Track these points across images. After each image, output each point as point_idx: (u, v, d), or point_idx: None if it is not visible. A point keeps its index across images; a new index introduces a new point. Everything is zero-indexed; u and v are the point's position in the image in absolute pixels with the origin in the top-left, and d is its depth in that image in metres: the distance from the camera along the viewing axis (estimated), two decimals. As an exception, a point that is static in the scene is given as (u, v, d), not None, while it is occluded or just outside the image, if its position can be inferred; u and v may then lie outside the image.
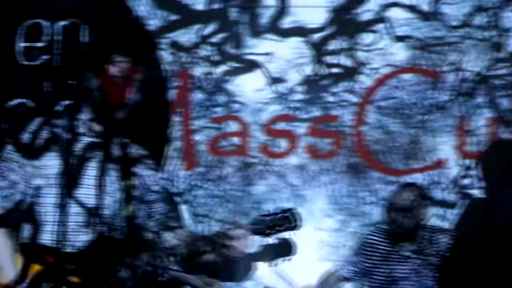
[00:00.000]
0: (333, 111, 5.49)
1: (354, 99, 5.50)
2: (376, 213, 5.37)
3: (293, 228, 3.58)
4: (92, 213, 3.28)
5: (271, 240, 3.66)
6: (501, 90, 5.48)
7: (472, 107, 5.49)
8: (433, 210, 5.35)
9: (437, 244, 4.90)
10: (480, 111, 5.49)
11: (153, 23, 5.43)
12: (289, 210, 3.59)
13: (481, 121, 5.47)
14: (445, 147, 5.50)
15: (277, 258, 4.37)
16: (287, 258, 4.32)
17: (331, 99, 5.51)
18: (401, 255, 4.85)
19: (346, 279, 5.07)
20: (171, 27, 5.44)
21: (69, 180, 3.23)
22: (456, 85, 5.48)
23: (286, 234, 3.64)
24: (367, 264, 4.90)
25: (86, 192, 3.29)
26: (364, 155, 5.50)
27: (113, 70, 3.30)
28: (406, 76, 5.50)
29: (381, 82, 5.49)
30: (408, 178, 5.34)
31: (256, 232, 3.53)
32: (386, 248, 4.88)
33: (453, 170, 5.48)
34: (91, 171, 3.32)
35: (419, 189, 4.94)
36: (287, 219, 3.52)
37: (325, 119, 5.49)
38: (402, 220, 4.81)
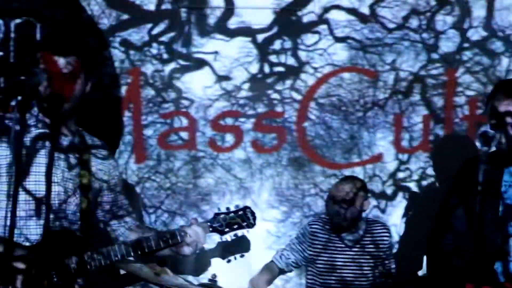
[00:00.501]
0: (277, 108, 5.56)
1: (297, 96, 5.55)
2: (318, 205, 5.48)
3: (249, 226, 3.64)
4: (42, 203, 3.30)
5: (228, 237, 3.69)
6: (434, 89, 5.61)
7: (408, 105, 5.60)
8: (372, 202, 5.49)
9: (375, 234, 5.06)
10: (416, 108, 5.60)
11: (105, 22, 5.40)
12: (246, 208, 3.63)
13: (416, 118, 5.59)
14: (382, 143, 5.60)
15: (233, 255, 4.43)
16: (242, 254, 4.43)
17: (275, 96, 5.56)
18: (342, 244, 5.00)
19: (290, 267, 5.13)
20: (122, 26, 5.41)
21: (19, 170, 3.24)
22: (393, 84, 5.60)
23: (240, 232, 3.70)
24: (309, 253, 4.99)
25: (35, 181, 3.35)
26: (306, 150, 5.56)
27: (61, 65, 3.38)
28: (346, 75, 5.57)
29: (322, 80, 5.54)
30: (348, 172, 5.46)
31: (214, 230, 3.59)
32: (328, 238, 5.00)
33: (390, 164, 5.61)
34: (40, 161, 3.37)
35: (358, 182, 5.06)
36: (244, 217, 3.59)
37: (270, 115, 5.55)
38: (342, 212, 4.95)
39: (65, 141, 3.49)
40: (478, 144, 3.33)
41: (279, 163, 5.56)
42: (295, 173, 5.57)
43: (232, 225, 3.60)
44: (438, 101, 5.62)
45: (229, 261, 4.67)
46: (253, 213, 3.62)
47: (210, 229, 3.60)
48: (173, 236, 3.57)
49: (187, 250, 3.61)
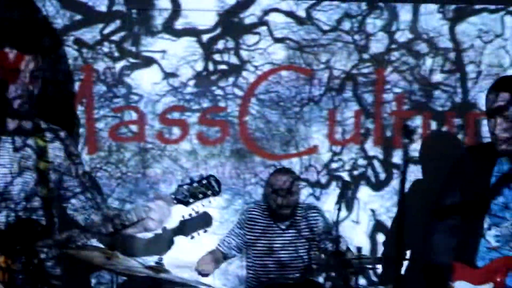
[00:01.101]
0: (221, 103, 5.65)
1: (239, 92, 5.66)
2: (258, 193, 5.61)
3: (215, 194, 3.48)
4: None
5: (192, 210, 3.52)
6: (365, 87, 5.76)
7: (341, 100, 5.74)
8: (309, 190, 5.69)
9: (309, 219, 5.21)
10: (348, 104, 5.74)
11: (60, 22, 5.40)
12: (210, 176, 3.47)
13: (349, 113, 5.74)
14: (317, 135, 5.72)
15: (196, 231, 4.43)
16: (204, 230, 4.45)
17: (219, 92, 5.65)
18: (279, 228, 5.15)
19: (232, 252, 5.25)
20: (76, 25, 5.42)
21: None
22: (327, 82, 5.72)
23: (206, 201, 3.51)
24: (249, 237, 5.15)
25: None
26: (247, 142, 5.68)
27: (11, 61, 3.44)
28: (284, 73, 5.68)
29: (262, 78, 5.66)
30: (286, 162, 5.60)
31: (178, 201, 3.43)
32: (266, 223, 5.17)
33: (325, 155, 5.74)
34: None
35: (293, 173, 5.24)
36: (208, 186, 3.41)
37: (214, 110, 5.64)
38: (278, 198, 5.11)
39: (11, 124, 3.49)
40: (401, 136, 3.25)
41: (222, 154, 5.66)
42: (237, 164, 5.67)
43: (196, 194, 3.42)
44: (368, 98, 5.76)
45: (192, 237, 4.66)
46: (217, 181, 3.46)
47: (175, 201, 3.44)
48: (137, 212, 3.47)
49: (152, 224, 3.48)
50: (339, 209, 5.38)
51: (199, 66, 5.65)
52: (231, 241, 5.22)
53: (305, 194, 5.70)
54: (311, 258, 5.10)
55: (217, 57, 5.68)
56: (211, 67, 5.67)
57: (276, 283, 4.75)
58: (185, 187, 3.45)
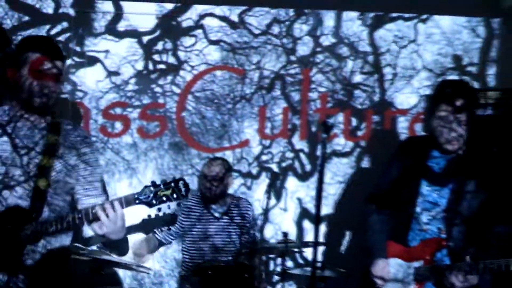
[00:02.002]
0: (160, 100, 5.75)
1: (177, 90, 5.77)
2: (195, 183, 5.68)
3: (179, 198, 3.25)
4: None
5: (154, 211, 3.29)
6: (292, 86, 5.92)
7: (270, 98, 5.90)
8: (241, 180, 5.84)
9: (241, 208, 5.30)
10: (277, 102, 5.91)
11: (8, 23, 5.47)
12: (179, 180, 3.25)
13: (277, 110, 5.90)
14: (249, 130, 5.87)
15: (158, 228, 4.69)
16: (168, 228, 4.77)
17: (158, 90, 5.75)
18: (213, 216, 5.22)
19: (168, 238, 5.25)
20: (24, 26, 5.49)
21: None
22: (258, 81, 5.88)
23: (166, 204, 3.28)
24: (185, 224, 5.19)
25: None
26: (184, 136, 5.78)
27: None
28: (219, 72, 5.81)
29: (198, 77, 5.78)
30: (219, 155, 5.65)
31: (141, 202, 3.23)
32: (200, 211, 5.22)
33: (255, 148, 5.90)
34: None
35: (224, 163, 5.28)
36: (174, 189, 3.23)
37: (153, 106, 5.73)
38: (212, 188, 5.16)
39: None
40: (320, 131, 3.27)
41: (161, 147, 5.75)
42: (175, 156, 5.78)
43: (161, 197, 3.22)
44: (295, 96, 5.92)
45: (154, 233, 5.06)
46: (186, 185, 3.26)
47: (137, 201, 3.24)
48: (86, 214, 3.28)
49: (97, 227, 3.29)
50: (269, 198, 5.84)
51: (140, 66, 5.73)
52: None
53: (237, 184, 5.88)
54: (241, 243, 5.17)
55: (156, 57, 5.76)
56: (151, 66, 5.75)
57: (209, 265, 4.74)
58: (151, 188, 3.26)
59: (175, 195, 3.25)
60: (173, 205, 3.32)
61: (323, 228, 5.93)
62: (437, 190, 3.76)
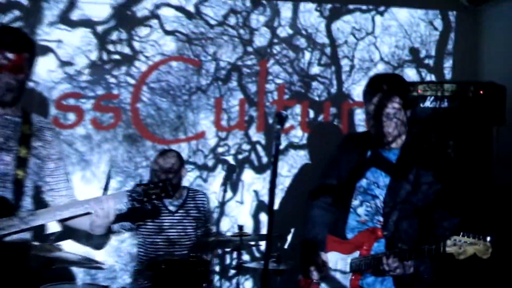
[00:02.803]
0: (114, 91, 5.77)
1: (131, 81, 5.80)
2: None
3: (167, 196, 3.38)
4: None
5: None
6: (249, 77, 5.99)
7: (227, 90, 5.96)
8: (196, 173, 5.86)
9: (197, 201, 5.28)
10: (233, 93, 5.97)
11: None
12: (166, 180, 3.39)
13: (234, 101, 5.96)
14: (205, 122, 5.91)
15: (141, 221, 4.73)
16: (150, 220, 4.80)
17: (112, 80, 5.78)
18: (167, 209, 5.20)
19: (121, 229, 5.22)
20: None
21: None
22: (214, 72, 5.92)
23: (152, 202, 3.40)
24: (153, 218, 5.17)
25: None
26: (139, 127, 5.82)
27: None
28: (174, 63, 5.86)
29: (153, 67, 5.83)
30: (175, 147, 5.69)
31: (133, 199, 3.33)
32: (155, 203, 4.79)
33: (211, 140, 5.94)
34: None
35: (178, 155, 5.21)
36: (163, 189, 3.33)
37: (107, 97, 5.75)
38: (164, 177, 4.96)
39: None
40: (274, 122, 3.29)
41: (115, 139, 5.78)
42: (129, 148, 5.81)
43: (150, 195, 3.34)
44: (252, 87, 6.00)
45: (139, 225, 5.05)
46: (172, 185, 3.42)
47: (129, 198, 3.33)
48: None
49: (86, 223, 3.37)
50: (225, 190, 5.91)
51: (94, 56, 5.76)
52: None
53: (192, 177, 5.90)
54: (197, 236, 5.20)
55: (111, 47, 5.79)
56: (105, 56, 5.78)
57: (163, 259, 4.75)
58: (142, 187, 3.38)
59: (163, 194, 3.37)
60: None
61: (278, 220, 5.76)
62: (376, 183, 3.80)
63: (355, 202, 3.83)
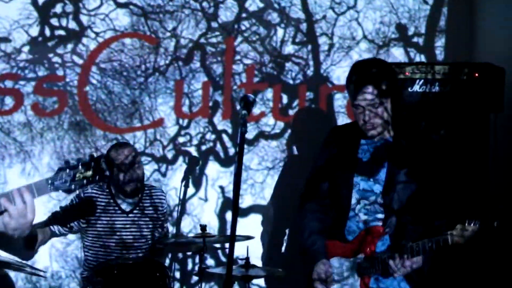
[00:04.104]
0: (58, 71, 5.71)
1: (79, 60, 5.74)
2: None
3: (103, 179, 2.98)
4: None
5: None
6: (214, 57, 5.92)
7: (188, 71, 5.89)
8: (154, 165, 5.82)
9: (154, 198, 5.23)
10: (195, 75, 5.90)
11: None
12: (99, 157, 3.00)
13: (196, 84, 5.90)
14: (163, 108, 5.87)
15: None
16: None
17: (56, 60, 5.71)
18: (120, 207, 5.13)
19: (62, 230, 5.13)
20: None
21: None
22: (174, 51, 5.86)
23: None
24: (88, 216, 5.08)
25: None
26: (88, 114, 5.77)
27: None
28: (128, 40, 5.81)
29: (104, 45, 5.76)
30: (129, 136, 5.74)
31: (56, 188, 2.90)
32: (105, 201, 5.13)
33: (171, 129, 5.88)
34: None
35: (132, 148, 5.18)
36: (96, 169, 2.96)
37: (51, 79, 5.70)
38: (118, 176, 5.02)
39: None
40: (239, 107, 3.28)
41: (60, 126, 5.73)
42: (77, 137, 5.75)
43: (80, 180, 2.90)
44: (217, 69, 5.93)
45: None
46: (109, 163, 3.37)
47: (51, 187, 2.90)
48: None
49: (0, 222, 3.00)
50: (186, 186, 5.80)
51: (35, 31, 5.69)
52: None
53: (149, 170, 5.82)
54: (154, 238, 5.16)
55: (54, 21, 5.71)
56: (47, 32, 5.71)
57: (115, 263, 4.77)
58: (67, 170, 2.93)
59: (97, 177, 2.90)
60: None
61: (248, 220, 5.94)
62: (370, 179, 3.92)
63: (352, 201, 3.92)
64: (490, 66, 5.06)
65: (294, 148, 6.05)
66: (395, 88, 3.94)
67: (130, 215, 5.16)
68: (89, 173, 2.89)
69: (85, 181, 2.89)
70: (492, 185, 5.00)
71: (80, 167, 2.90)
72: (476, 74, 5.01)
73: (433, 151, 3.93)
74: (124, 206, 5.16)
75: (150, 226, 5.19)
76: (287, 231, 5.89)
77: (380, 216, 3.86)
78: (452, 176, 3.93)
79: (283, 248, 5.94)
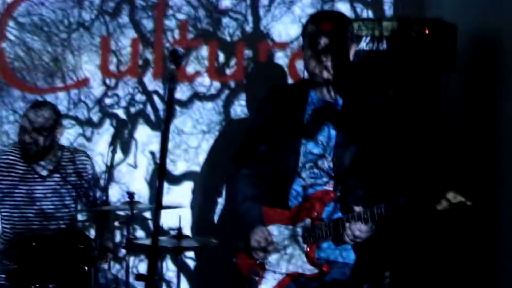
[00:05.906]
0: None
1: None
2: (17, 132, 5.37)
3: None
4: None
5: None
6: (144, 11, 5.87)
7: (116, 27, 5.86)
8: (78, 129, 5.83)
9: (77, 164, 5.18)
10: (124, 31, 5.87)
11: None
12: None
13: (125, 41, 5.86)
14: (88, 66, 5.86)
15: None
16: None
17: None
18: (38, 174, 5.09)
19: None
20: None
21: None
22: (100, 4, 5.83)
23: None
24: (5, 185, 5.07)
25: None
26: (4, 73, 5.80)
27: None
28: None
29: None
30: (51, 97, 5.66)
31: None
32: (23, 168, 5.09)
33: (97, 89, 5.88)
34: None
35: (52, 108, 5.09)
36: None
37: None
38: (36, 139, 4.99)
39: None
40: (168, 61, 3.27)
41: None
42: None
43: None
44: (148, 24, 5.88)
45: None
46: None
47: None
48: None
49: None
50: (114, 151, 5.78)
51: None
52: None
53: (73, 135, 5.83)
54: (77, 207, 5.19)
55: None
56: None
57: (33, 235, 4.75)
58: None
59: None
60: None
61: (181, 188, 5.95)
62: (314, 142, 3.90)
63: (299, 165, 3.89)
64: (441, 22, 5.03)
65: (231, 110, 6.01)
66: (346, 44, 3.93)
67: (49, 182, 5.11)
68: None
69: None
70: (444, 149, 4.99)
71: None
72: (427, 31, 4.97)
73: (378, 113, 3.89)
74: (40, 171, 5.10)
75: (74, 194, 5.17)
76: (220, 199, 5.91)
77: (326, 179, 3.83)
78: (400, 140, 3.90)
79: (215, 218, 5.93)
